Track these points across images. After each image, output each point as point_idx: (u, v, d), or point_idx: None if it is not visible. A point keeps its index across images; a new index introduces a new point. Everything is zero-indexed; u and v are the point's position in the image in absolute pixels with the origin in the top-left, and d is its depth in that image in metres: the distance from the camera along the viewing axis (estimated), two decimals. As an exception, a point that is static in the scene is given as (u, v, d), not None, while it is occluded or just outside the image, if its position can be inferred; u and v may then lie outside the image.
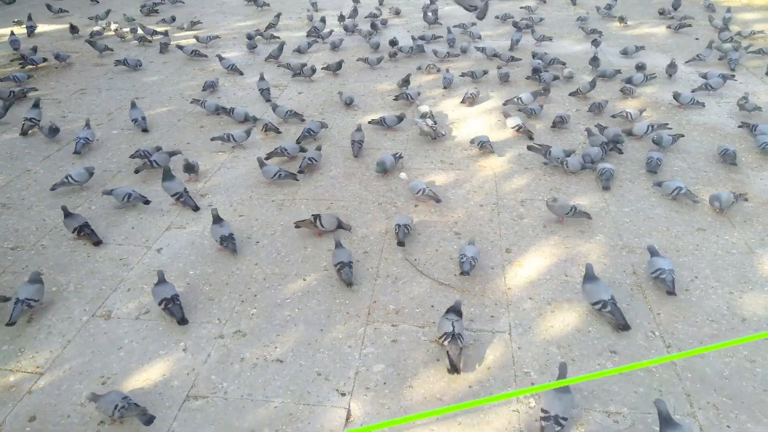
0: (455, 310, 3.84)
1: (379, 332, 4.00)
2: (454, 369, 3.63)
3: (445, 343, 3.68)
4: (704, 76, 7.90)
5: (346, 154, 6.38)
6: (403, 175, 5.73)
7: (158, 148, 6.25)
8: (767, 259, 4.66)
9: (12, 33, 10.04)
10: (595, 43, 9.39)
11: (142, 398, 3.52)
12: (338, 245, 4.58)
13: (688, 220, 5.14)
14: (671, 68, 8.17)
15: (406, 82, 7.87)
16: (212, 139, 6.49)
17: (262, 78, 8.09)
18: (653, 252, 4.45)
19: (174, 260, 4.75)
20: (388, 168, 5.87)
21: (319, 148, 6.17)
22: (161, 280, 4.18)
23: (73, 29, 10.57)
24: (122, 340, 3.97)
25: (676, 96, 7.27)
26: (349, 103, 7.55)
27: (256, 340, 3.94)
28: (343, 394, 3.54)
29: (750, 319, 4.07)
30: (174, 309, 4.06)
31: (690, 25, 10.47)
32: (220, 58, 8.78)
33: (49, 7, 12.06)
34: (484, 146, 6.26)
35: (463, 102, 7.53)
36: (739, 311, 4.12)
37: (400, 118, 6.90)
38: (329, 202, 5.52)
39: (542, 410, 3.27)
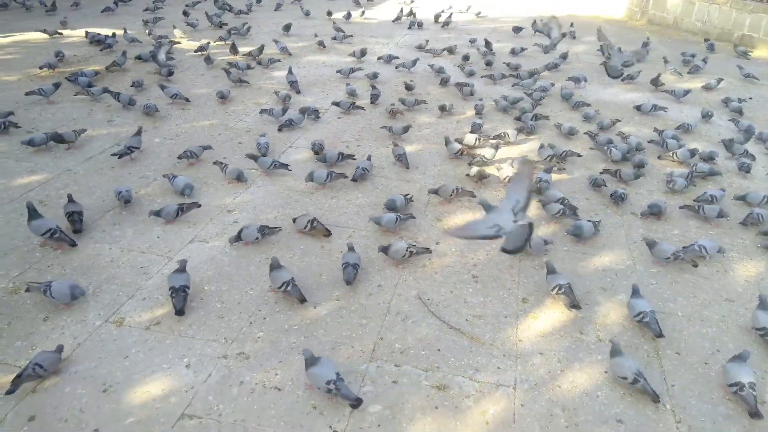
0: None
1: (381, 371, 3.96)
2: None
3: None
4: None
5: (374, 184, 6.41)
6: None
7: (207, 147, 6.75)
8: (797, 340, 4.43)
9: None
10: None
11: (139, 411, 3.57)
12: (350, 249, 4.89)
13: (717, 288, 4.94)
14: None
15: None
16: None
17: (290, 71, 9.17)
18: (635, 291, 4.55)
19: (192, 273, 4.79)
20: (398, 206, 5.74)
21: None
22: (182, 269, 4.52)
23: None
24: (130, 349, 4.03)
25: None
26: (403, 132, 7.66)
27: (258, 365, 3.94)
28: (336, 432, 3.51)
29: (770, 403, 3.86)
30: (176, 301, 4.36)
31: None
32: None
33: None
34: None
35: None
36: (759, 394, 3.91)
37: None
38: (352, 230, 5.54)
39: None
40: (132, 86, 8.72)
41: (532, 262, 5.17)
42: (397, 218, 5.46)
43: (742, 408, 3.78)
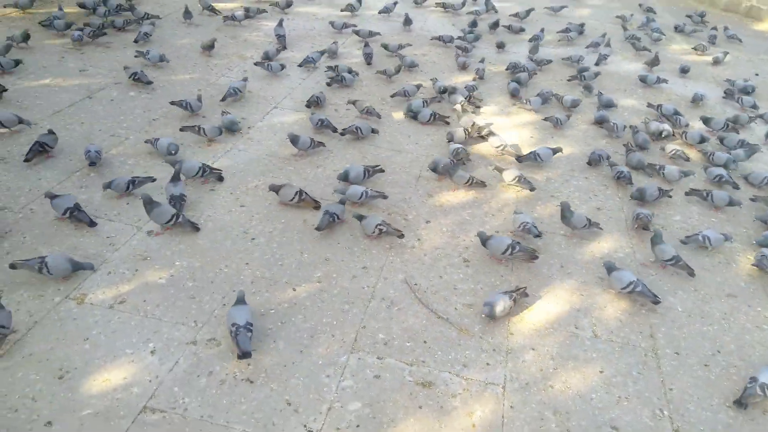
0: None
1: (363, 364, 3.68)
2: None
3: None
4: None
5: (363, 153, 6.02)
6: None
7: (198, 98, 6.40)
8: (801, 342, 4.22)
9: None
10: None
11: (97, 402, 3.27)
12: (341, 202, 4.90)
13: (720, 282, 4.70)
14: None
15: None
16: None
17: (280, 24, 8.65)
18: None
19: (163, 246, 4.47)
20: (352, 178, 5.32)
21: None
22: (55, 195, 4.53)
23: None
24: (90, 330, 3.71)
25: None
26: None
27: (229, 353, 3.64)
28: (311, 432, 3.24)
29: (773, 411, 3.66)
30: (81, 215, 4.48)
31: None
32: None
33: None
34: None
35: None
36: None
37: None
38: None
39: None
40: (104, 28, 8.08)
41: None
42: (363, 193, 5.04)
43: (744, 417, 3.58)
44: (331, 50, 8.29)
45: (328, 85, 7.36)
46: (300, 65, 7.75)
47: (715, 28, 11.21)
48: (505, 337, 3.99)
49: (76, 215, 4.48)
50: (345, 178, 5.30)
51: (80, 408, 3.23)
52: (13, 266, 3.95)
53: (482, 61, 8.40)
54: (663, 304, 4.40)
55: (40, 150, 5.23)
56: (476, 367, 3.74)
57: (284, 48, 8.40)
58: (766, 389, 3.58)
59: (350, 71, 7.59)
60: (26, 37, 7.38)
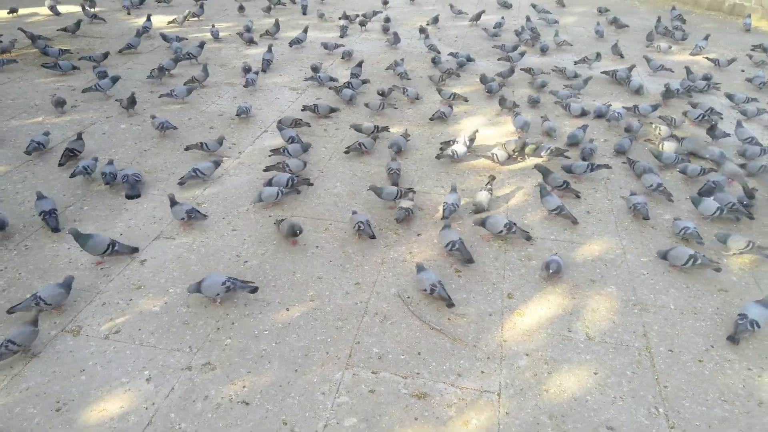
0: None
1: (358, 379, 3.70)
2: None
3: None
4: None
5: (353, 171, 6.09)
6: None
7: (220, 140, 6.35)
8: (795, 332, 4.23)
9: None
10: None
11: (94, 432, 3.30)
12: (354, 212, 5.06)
13: (710, 278, 4.71)
14: None
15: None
16: None
17: (269, 49, 8.97)
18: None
19: (156, 274, 4.52)
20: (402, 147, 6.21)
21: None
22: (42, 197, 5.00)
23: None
24: (86, 362, 3.74)
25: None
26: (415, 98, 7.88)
27: (224, 376, 3.67)
28: (307, 450, 3.26)
29: (767, 403, 3.66)
30: (50, 220, 4.89)
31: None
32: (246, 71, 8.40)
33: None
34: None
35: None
36: (756, 392, 3.71)
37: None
38: (328, 222, 5.24)
39: None
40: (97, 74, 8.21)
41: (518, 253, 4.91)
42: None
43: (739, 410, 3.58)
44: (314, 67, 8.39)
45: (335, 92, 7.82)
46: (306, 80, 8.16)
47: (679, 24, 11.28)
48: (498, 344, 4.01)
49: (47, 219, 4.89)
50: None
51: (78, 439, 3.26)
52: (11, 312, 4.00)
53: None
54: (655, 303, 4.43)
55: (71, 155, 5.83)
56: (471, 376, 3.76)
57: (265, 71, 8.54)
58: (755, 324, 4.07)
59: (349, 85, 7.75)
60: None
